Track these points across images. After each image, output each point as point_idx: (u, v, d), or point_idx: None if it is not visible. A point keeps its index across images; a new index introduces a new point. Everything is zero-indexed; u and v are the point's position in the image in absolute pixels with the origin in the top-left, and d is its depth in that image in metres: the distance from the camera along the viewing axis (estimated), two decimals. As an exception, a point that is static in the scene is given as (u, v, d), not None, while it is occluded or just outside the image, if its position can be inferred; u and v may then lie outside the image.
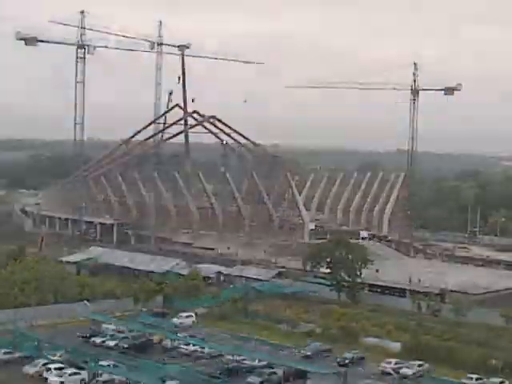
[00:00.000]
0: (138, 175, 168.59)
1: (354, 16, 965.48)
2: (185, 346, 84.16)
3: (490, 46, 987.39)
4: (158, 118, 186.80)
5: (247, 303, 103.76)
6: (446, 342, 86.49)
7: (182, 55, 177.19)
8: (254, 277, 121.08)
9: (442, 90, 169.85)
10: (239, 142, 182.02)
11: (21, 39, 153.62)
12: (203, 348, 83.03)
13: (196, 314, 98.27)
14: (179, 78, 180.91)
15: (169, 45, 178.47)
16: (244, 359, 78.78)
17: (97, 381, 71.94)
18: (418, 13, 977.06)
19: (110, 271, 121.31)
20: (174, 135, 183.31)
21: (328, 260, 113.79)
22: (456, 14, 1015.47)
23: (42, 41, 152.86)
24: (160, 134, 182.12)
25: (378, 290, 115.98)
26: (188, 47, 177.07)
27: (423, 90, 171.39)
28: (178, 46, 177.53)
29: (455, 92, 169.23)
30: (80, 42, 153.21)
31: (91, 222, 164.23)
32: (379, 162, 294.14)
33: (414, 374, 78.55)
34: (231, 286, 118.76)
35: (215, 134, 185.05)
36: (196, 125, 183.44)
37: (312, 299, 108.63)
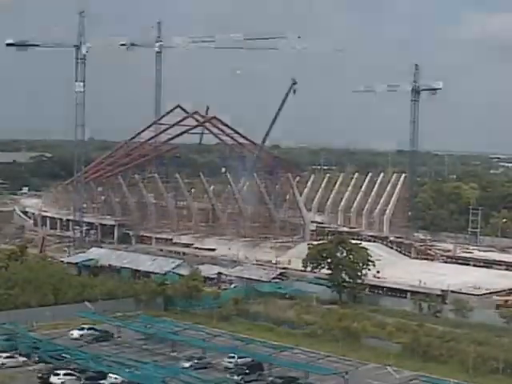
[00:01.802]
0: (139, 176, 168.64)
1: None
2: None
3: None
4: (160, 118, 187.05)
5: (248, 304, 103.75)
6: (447, 342, 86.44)
7: None
8: (255, 278, 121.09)
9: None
10: (240, 143, 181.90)
11: (10, 45, 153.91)
12: None
13: None
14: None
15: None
16: None
17: None
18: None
19: (110, 272, 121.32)
20: (175, 136, 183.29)
21: (329, 261, 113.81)
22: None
23: (33, 45, 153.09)
24: (161, 135, 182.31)
25: (379, 290, 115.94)
26: None
27: (424, 90, 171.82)
28: None
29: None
30: (79, 43, 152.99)
31: (92, 223, 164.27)
32: (379, 162, 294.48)
33: None
34: (232, 286, 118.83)
35: (216, 135, 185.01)
36: (197, 125, 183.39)
37: (313, 300, 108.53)
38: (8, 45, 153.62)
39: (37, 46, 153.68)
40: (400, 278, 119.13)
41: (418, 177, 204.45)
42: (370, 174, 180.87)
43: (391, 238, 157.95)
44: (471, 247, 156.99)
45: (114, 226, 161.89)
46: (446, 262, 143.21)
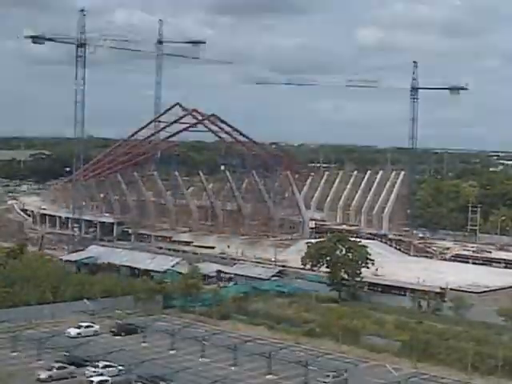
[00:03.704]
0: (138, 174, 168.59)
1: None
2: None
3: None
4: (159, 116, 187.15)
5: (247, 302, 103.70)
6: (446, 340, 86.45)
7: None
8: (255, 275, 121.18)
9: (445, 88, 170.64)
10: (239, 141, 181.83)
11: (29, 37, 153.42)
12: None
13: None
14: None
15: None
16: None
17: None
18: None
19: (109, 270, 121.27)
20: (174, 134, 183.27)
21: (328, 259, 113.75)
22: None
23: (49, 39, 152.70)
24: (160, 133, 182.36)
25: (378, 288, 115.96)
26: None
27: (424, 88, 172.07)
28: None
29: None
30: (80, 41, 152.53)
31: (91, 221, 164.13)
32: (378, 159, 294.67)
33: None
34: (231, 284, 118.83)
35: (215, 133, 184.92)
36: (196, 123, 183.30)
37: (312, 298, 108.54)
38: (28, 37, 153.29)
39: (52, 40, 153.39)
40: (399, 275, 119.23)
41: (417, 174, 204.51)
42: (369, 172, 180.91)
43: (390, 236, 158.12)
44: (470, 245, 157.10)
45: (113, 223, 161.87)
46: (444, 260, 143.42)
